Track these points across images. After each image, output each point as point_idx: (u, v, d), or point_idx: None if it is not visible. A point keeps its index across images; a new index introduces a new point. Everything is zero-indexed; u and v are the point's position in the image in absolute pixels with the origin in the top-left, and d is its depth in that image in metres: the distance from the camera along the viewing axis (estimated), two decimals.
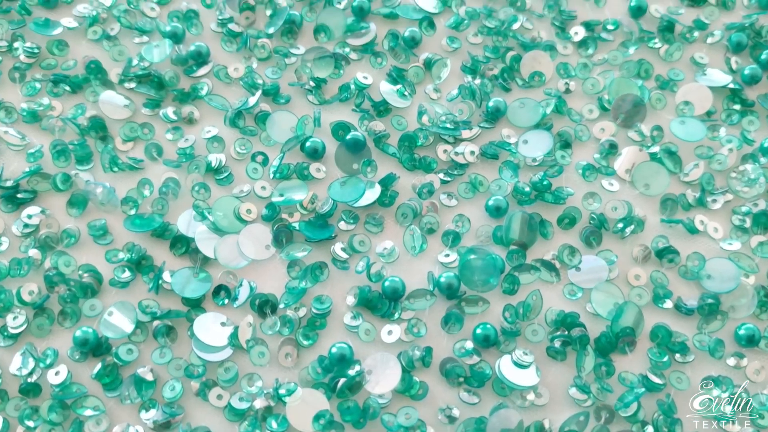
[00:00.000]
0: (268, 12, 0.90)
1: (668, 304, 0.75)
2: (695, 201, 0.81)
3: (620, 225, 0.78)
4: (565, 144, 0.83)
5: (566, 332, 0.73)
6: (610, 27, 0.91)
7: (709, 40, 0.91)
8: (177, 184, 0.78)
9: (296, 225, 0.76)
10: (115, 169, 0.79)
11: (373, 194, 0.78)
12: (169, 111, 0.83)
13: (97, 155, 0.80)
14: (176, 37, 0.87)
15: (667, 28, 0.91)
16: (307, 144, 0.81)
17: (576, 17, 0.91)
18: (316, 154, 0.81)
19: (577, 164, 0.82)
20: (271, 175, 0.79)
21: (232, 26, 0.88)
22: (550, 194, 0.79)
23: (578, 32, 0.90)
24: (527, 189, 0.79)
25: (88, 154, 0.80)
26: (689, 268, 0.77)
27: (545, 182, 0.79)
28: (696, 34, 0.91)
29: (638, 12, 0.92)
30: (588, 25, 0.91)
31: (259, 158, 0.81)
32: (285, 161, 0.80)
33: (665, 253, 0.77)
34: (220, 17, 0.89)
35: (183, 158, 0.80)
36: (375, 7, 0.91)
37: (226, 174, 0.79)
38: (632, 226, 0.78)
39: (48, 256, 0.75)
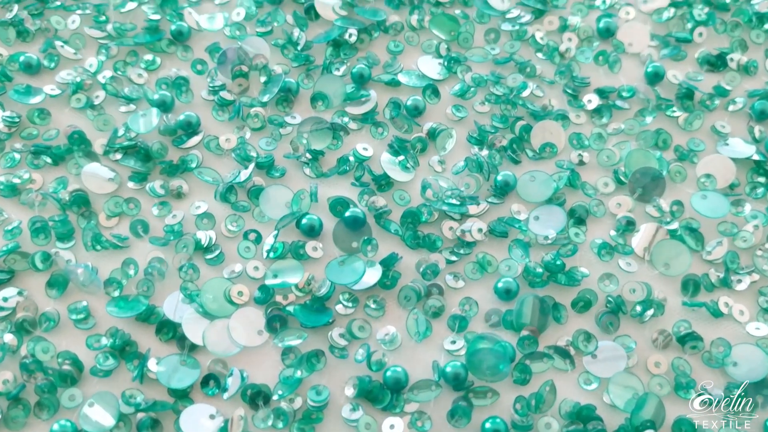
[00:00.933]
0: (263, 79, 0.91)
1: (691, 393, 0.75)
2: (719, 281, 0.81)
3: (639, 308, 0.79)
4: (579, 220, 0.84)
5: (582, 426, 0.73)
6: (625, 94, 0.92)
7: (731, 107, 0.93)
8: (164, 264, 0.79)
9: (291, 309, 0.77)
10: (98, 247, 0.80)
11: (373, 275, 0.78)
12: (157, 185, 0.84)
13: (79, 232, 0.81)
14: (164, 106, 0.88)
15: (686, 95, 0.93)
16: (304, 221, 0.81)
17: (589, 84, 0.93)
18: (312, 231, 0.81)
19: (592, 242, 0.82)
20: (265, 255, 0.80)
21: (224, 94, 0.90)
22: (563, 275, 0.80)
23: (592, 100, 0.91)
24: (539, 270, 0.80)
25: (70, 231, 0.81)
26: (713, 354, 0.77)
27: (558, 262, 0.80)
28: (717, 101, 0.93)
29: (655, 78, 0.94)
30: (602, 93, 0.92)
31: (252, 236, 0.81)
32: (279, 239, 0.81)
33: (687, 339, 0.77)
34: (212, 84, 0.90)
35: (170, 236, 0.81)
36: (376, 73, 0.93)
37: (216, 253, 0.80)
38: (652, 310, 0.78)
39: (25, 341, 0.75)
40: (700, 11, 0.99)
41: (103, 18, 0.96)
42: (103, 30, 0.95)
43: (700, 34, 0.98)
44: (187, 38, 0.95)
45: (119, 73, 0.92)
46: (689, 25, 0.99)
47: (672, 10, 0.99)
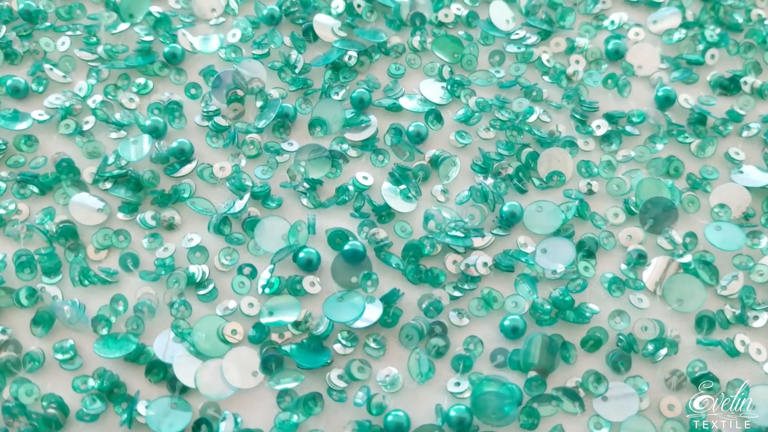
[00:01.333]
0: (259, 104, 0.88)
1: None
2: (735, 318, 0.78)
3: (651, 347, 0.75)
4: (589, 254, 0.80)
5: None
6: (635, 119, 0.89)
7: (745, 133, 0.89)
8: (155, 300, 0.76)
9: (287, 349, 0.74)
10: (86, 282, 0.77)
11: (374, 313, 0.75)
12: (147, 216, 0.81)
13: (66, 266, 0.78)
14: (157, 132, 0.86)
15: (699, 120, 0.90)
16: (301, 254, 0.78)
17: (598, 109, 0.90)
18: (310, 265, 0.78)
19: (602, 277, 0.79)
20: (260, 290, 0.77)
21: (218, 119, 0.87)
22: (572, 312, 0.77)
23: (601, 126, 0.89)
24: (547, 306, 0.76)
25: (56, 265, 0.78)
26: (730, 396, 0.74)
27: (567, 298, 0.77)
28: (730, 126, 0.90)
29: (666, 102, 0.91)
30: (611, 118, 0.89)
31: (247, 270, 0.78)
32: (275, 274, 0.78)
33: (702, 380, 0.74)
34: (206, 110, 0.88)
35: (161, 270, 0.78)
36: (376, 98, 0.90)
37: (209, 289, 0.77)
38: (665, 349, 0.75)
39: (7, 383, 0.72)
40: (711, 32, 0.96)
41: (94, 39, 0.93)
42: (94, 52, 0.92)
43: (712, 56, 0.95)
44: (181, 61, 0.92)
45: (110, 97, 0.89)
46: (701, 47, 0.96)
47: (683, 30, 0.97)
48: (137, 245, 0.80)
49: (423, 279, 0.79)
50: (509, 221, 0.82)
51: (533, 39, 0.95)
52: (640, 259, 0.80)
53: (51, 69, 0.90)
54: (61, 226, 0.79)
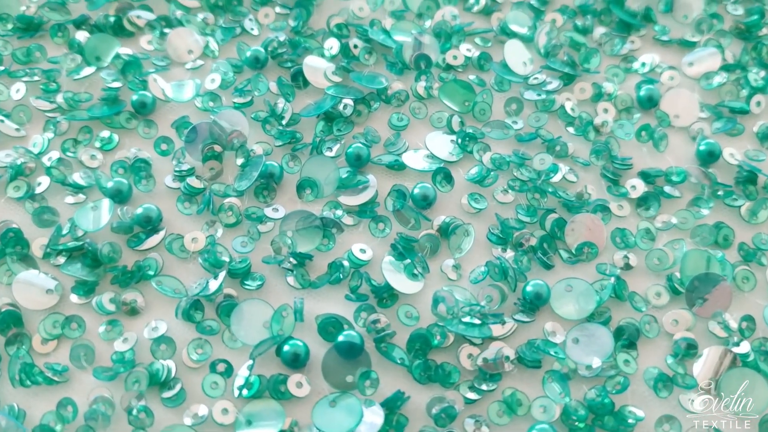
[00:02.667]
0: (240, 161, 0.76)
1: None
2: None
3: None
4: (629, 343, 0.68)
5: None
6: (675, 178, 0.77)
7: None
8: (110, 405, 0.64)
9: None
10: (29, 382, 0.65)
11: (374, 420, 0.63)
12: (105, 299, 0.69)
13: (5, 361, 0.67)
14: (120, 196, 0.74)
15: (748, 179, 0.78)
16: (286, 347, 0.67)
17: (632, 166, 0.78)
18: (297, 361, 0.67)
19: (645, 372, 0.67)
20: (236, 393, 0.65)
21: (191, 180, 0.75)
22: (611, 418, 0.64)
23: (636, 186, 0.76)
24: (582, 411, 0.64)
25: None
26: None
27: (606, 401, 0.64)
28: None
29: (709, 158, 0.79)
30: (647, 176, 0.77)
31: (221, 367, 0.67)
32: (255, 372, 0.66)
33: None
34: (178, 169, 0.76)
35: (120, 367, 0.66)
36: (375, 154, 0.78)
37: (175, 390, 0.65)
38: None
39: None
40: (756, 76, 0.84)
41: (54, 86, 0.81)
42: (53, 101, 0.80)
43: (758, 103, 0.83)
44: (151, 111, 0.81)
45: (68, 154, 0.77)
46: (744, 92, 0.83)
47: (723, 74, 0.84)
48: (92, 334, 0.69)
49: (432, 378, 0.67)
50: (534, 304, 0.70)
51: (554, 84, 0.83)
52: (689, 350, 0.68)
53: (2, 121, 0.78)
54: (2, 311, 0.68)
